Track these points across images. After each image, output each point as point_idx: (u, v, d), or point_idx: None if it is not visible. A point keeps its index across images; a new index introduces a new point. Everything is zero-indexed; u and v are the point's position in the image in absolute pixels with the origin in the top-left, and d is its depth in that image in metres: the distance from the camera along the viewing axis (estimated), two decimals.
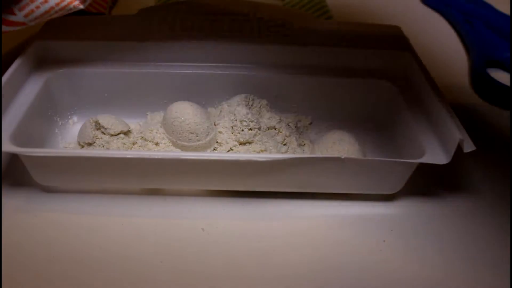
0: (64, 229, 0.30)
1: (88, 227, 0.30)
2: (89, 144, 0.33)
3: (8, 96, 0.31)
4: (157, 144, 0.33)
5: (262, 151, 0.33)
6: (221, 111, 0.35)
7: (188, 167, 0.29)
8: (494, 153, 0.38)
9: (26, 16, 0.31)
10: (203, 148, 0.33)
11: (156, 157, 0.28)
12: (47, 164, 0.29)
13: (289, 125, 0.36)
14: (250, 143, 0.33)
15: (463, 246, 0.30)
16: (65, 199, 0.31)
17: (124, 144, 0.33)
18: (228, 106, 0.35)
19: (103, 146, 0.33)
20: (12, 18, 0.32)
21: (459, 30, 0.54)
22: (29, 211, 0.31)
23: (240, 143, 0.33)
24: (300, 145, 0.35)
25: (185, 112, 0.32)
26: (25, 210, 0.31)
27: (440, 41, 0.53)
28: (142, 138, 0.33)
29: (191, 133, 0.32)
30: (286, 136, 0.35)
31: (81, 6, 0.31)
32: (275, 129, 0.35)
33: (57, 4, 0.31)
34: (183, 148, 0.33)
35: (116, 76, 0.36)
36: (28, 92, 0.33)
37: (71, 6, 0.31)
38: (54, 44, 0.35)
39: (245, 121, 0.33)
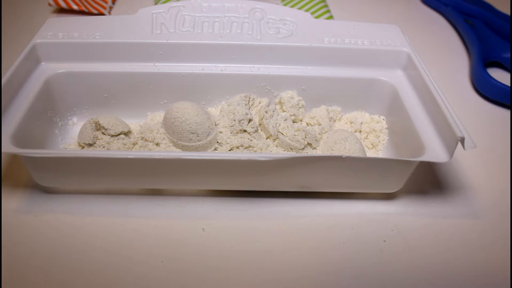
0: (64, 230, 0.30)
1: (89, 228, 0.30)
2: (90, 145, 0.33)
3: (8, 96, 0.31)
4: (157, 144, 0.33)
5: (262, 150, 0.33)
6: (220, 111, 0.35)
7: (189, 167, 0.29)
8: (494, 152, 0.38)
9: None
10: (203, 148, 0.33)
11: (158, 157, 0.28)
12: (48, 165, 0.29)
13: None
14: (250, 141, 0.33)
15: (464, 245, 0.30)
16: (66, 199, 0.31)
17: (125, 144, 0.33)
18: (228, 106, 0.35)
19: (104, 147, 0.33)
20: None
21: (459, 30, 0.54)
22: (29, 212, 0.30)
23: (240, 144, 0.33)
24: (301, 144, 0.35)
25: (185, 112, 0.32)
26: (25, 211, 0.31)
27: (440, 41, 0.53)
28: (142, 138, 0.33)
29: (192, 133, 0.32)
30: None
31: None
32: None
33: None
34: (184, 148, 0.33)
35: (116, 76, 0.36)
36: (28, 92, 0.33)
37: None
38: (54, 44, 0.35)
39: (245, 120, 0.33)
